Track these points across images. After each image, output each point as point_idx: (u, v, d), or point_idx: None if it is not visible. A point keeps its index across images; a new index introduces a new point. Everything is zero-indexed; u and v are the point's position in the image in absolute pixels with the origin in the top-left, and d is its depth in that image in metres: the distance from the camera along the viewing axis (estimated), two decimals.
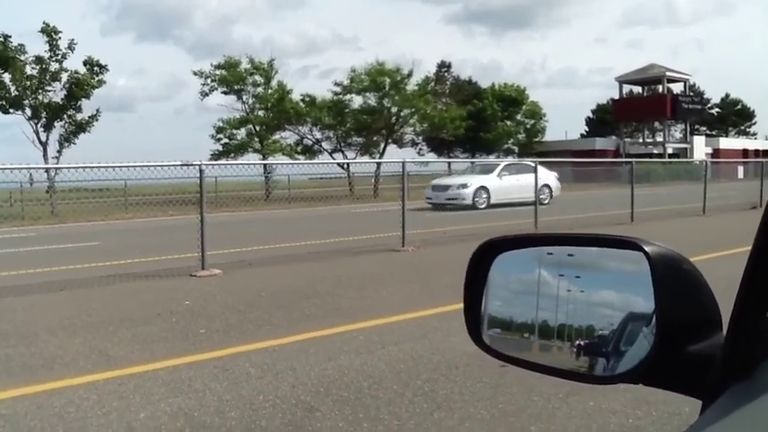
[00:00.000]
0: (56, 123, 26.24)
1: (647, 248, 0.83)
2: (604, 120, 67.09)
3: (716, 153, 54.24)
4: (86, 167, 10.28)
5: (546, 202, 20.88)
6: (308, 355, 4.92)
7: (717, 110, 74.94)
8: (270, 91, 35.40)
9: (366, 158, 35.95)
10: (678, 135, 61.32)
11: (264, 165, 24.22)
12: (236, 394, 4.10)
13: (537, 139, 53.79)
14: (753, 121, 76.79)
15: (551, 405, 3.75)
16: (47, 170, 20.17)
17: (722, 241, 10.25)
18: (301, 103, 36.24)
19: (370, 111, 36.59)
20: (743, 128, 76.61)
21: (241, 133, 35.62)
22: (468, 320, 1.02)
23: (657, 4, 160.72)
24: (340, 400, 3.96)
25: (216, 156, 33.82)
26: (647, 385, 0.83)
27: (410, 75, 36.46)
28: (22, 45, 25.65)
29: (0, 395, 4.19)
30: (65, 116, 26.31)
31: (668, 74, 55.60)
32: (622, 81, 58.90)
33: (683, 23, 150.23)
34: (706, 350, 0.78)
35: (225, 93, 35.32)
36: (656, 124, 60.59)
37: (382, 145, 37.94)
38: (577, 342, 0.89)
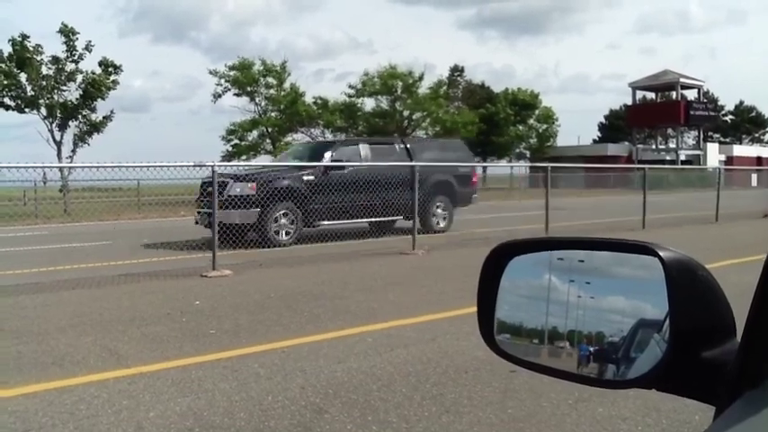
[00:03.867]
0: (70, 123, 26.43)
1: (662, 253, 0.83)
2: (617, 125, 66.93)
3: (729, 160, 53.93)
4: (100, 167, 10.35)
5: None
6: (318, 357, 4.93)
7: (730, 117, 74.55)
8: (282, 93, 35.55)
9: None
10: (691, 142, 61.06)
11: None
12: (245, 395, 4.11)
13: (549, 144, 53.70)
14: (767, 129, 76.26)
15: (560, 411, 3.73)
16: (60, 169, 20.28)
17: (735, 249, 10.18)
18: (313, 106, 36.39)
19: (381, 114, 36.71)
20: (757, 135, 76.13)
21: (253, 135, 35.81)
22: (482, 323, 1.02)
23: (670, 11, 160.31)
24: (349, 402, 3.96)
25: (226, 157, 33.97)
26: (661, 391, 0.83)
27: (421, 78, 36.57)
28: (39, 45, 25.89)
29: (11, 392, 4.22)
30: (79, 116, 26.50)
31: (682, 80, 55.35)
32: (636, 87, 58.71)
33: (696, 31, 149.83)
34: (720, 356, 0.78)
35: (237, 94, 35.57)
36: (670, 131, 60.31)
37: None
38: (587, 348, 0.89)
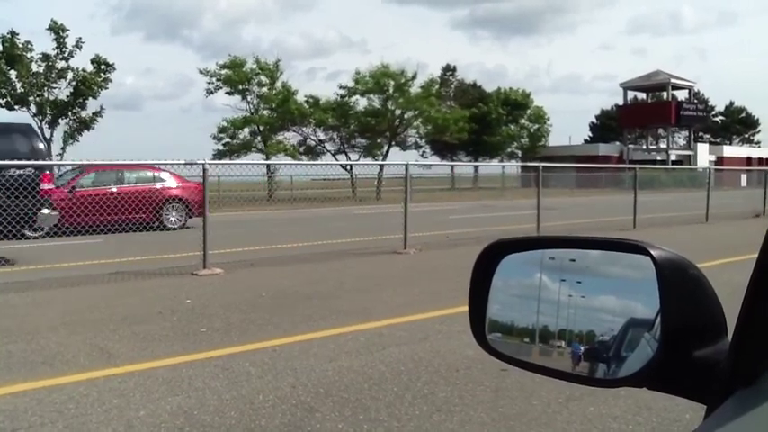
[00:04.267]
0: (60, 120, 26.32)
1: (653, 252, 0.83)
2: (608, 126, 67.14)
3: (719, 161, 54.20)
4: (89, 164, 10.30)
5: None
6: (309, 356, 4.92)
7: (721, 118, 74.95)
8: (274, 91, 35.46)
9: (369, 160, 35.99)
10: (682, 142, 61.30)
11: (268, 165, 24.25)
12: (235, 393, 4.10)
13: (541, 144, 53.81)
14: (757, 130, 76.80)
15: (551, 409, 3.74)
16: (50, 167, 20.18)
17: (725, 249, 10.23)
18: (305, 104, 36.32)
19: (373, 113, 36.66)
20: (747, 136, 76.56)
21: (244, 133, 35.70)
22: (473, 322, 1.02)
23: (662, 12, 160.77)
24: (340, 401, 3.96)
25: (217, 156, 33.85)
26: (652, 389, 0.83)
27: (414, 77, 36.56)
28: (29, 42, 25.76)
29: (0, 391, 4.19)
30: (70, 113, 26.38)
31: (673, 81, 55.57)
32: (627, 87, 58.89)
33: (688, 32, 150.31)
34: (711, 355, 0.78)
35: (229, 93, 35.41)
36: (660, 131, 60.56)
37: (385, 147, 38.01)
38: (578, 347, 0.89)
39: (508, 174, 42.54)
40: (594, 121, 74.06)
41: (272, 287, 7.87)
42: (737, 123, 75.32)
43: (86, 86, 25.98)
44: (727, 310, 0.82)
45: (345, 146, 38.16)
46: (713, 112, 71.89)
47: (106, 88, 26.84)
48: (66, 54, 26.03)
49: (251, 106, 35.75)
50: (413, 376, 4.42)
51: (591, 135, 71.92)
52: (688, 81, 57.80)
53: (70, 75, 26.17)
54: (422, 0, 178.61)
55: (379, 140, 37.90)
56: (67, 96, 26.19)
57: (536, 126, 54.16)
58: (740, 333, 0.72)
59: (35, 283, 8.13)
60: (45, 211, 10.21)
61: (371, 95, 36.70)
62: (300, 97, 36.51)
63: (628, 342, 0.85)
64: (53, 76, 25.98)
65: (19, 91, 25.55)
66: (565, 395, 3.85)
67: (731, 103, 76.40)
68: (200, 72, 35.33)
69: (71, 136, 26.43)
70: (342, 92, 37.02)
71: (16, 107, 25.76)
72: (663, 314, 0.80)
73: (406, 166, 12.14)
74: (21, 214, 8.89)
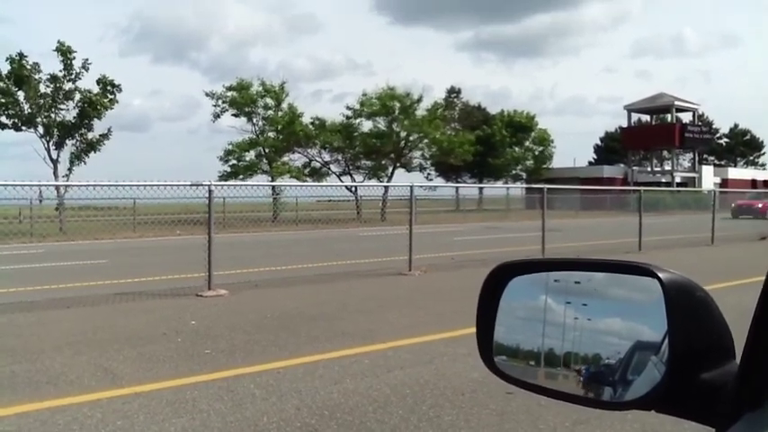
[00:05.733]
0: (67, 141, 26.43)
1: (660, 275, 0.83)
2: (612, 148, 67.18)
3: (724, 183, 54.11)
4: (96, 185, 10.35)
5: None
6: (314, 378, 4.90)
7: (725, 140, 74.94)
8: (280, 113, 35.63)
9: (374, 182, 36.06)
10: (686, 164, 61.27)
11: (273, 186, 24.29)
12: (240, 416, 4.08)
13: (545, 166, 53.89)
14: (761, 152, 76.68)
15: None
16: (57, 187, 20.28)
17: (731, 271, 10.19)
18: (311, 126, 36.49)
19: (379, 134, 36.82)
20: (751, 158, 76.51)
21: (250, 155, 35.80)
22: (481, 344, 1.02)
23: (665, 36, 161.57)
24: (344, 423, 3.94)
25: (224, 177, 33.93)
26: (660, 412, 0.83)
27: (420, 100, 36.75)
28: (37, 64, 25.96)
29: (4, 411, 4.18)
30: (76, 135, 26.49)
31: (677, 103, 55.67)
32: (631, 110, 59.01)
33: (691, 55, 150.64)
34: (719, 378, 0.78)
35: (235, 115, 35.57)
36: (665, 153, 60.58)
37: (390, 169, 38.12)
38: (584, 370, 0.89)
39: (513, 195, 42.56)
40: (599, 143, 74.17)
41: (276, 308, 7.86)
42: (742, 145, 75.33)
43: (93, 107, 26.11)
44: (736, 332, 0.82)
45: (350, 167, 38.29)
46: (717, 135, 71.90)
47: (112, 109, 26.96)
48: (73, 75, 26.20)
49: (256, 128, 35.91)
50: (418, 399, 4.39)
51: (595, 157, 72.00)
52: (692, 103, 57.90)
53: (78, 96, 26.32)
54: (427, 23, 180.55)
55: (383, 162, 38.03)
56: (74, 117, 26.32)
57: (540, 148, 54.30)
58: (748, 356, 0.72)
59: (40, 304, 8.14)
60: None
61: (377, 117, 36.89)
62: (306, 119, 36.72)
63: (634, 365, 0.85)
64: (60, 97, 26.13)
65: (26, 112, 25.70)
66: (571, 419, 3.82)
67: (735, 126, 76.53)
68: (207, 95, 35.54)
69: (78, 157, 26.52)
70: (348, 113, 37.26)
71: (23, 128, 25.92)
72: (670, 337, 0.81)
73: (411, 187, 12.16)
74: None
